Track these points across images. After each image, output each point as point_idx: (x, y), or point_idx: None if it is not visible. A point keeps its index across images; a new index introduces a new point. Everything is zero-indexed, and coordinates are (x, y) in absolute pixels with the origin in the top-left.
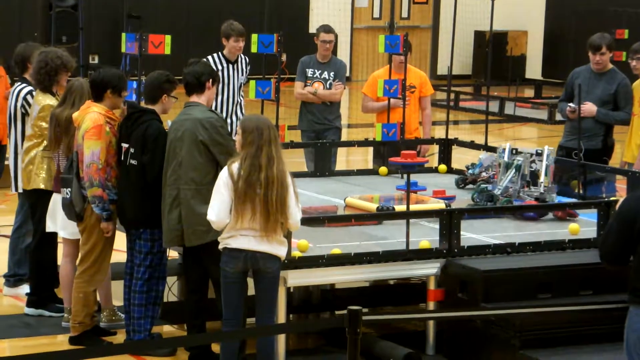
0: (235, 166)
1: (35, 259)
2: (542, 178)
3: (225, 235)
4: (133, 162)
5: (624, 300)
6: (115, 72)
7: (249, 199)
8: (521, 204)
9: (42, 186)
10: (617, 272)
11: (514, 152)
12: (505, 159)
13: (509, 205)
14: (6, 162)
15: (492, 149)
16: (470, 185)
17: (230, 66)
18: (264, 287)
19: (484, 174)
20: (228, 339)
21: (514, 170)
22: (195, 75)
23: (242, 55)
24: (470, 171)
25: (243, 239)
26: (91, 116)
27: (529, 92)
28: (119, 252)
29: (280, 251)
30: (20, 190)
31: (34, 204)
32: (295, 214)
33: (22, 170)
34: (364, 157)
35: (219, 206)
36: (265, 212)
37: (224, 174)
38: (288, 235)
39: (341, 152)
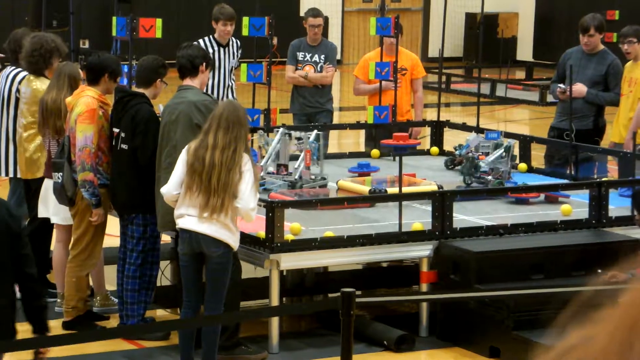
0: (194, 143)
1: (31, 243)
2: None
3: (177, 214)
4: (124, 146)
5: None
6: (113, 57)
7: (196, 174)
8: (513, 186)
9: None
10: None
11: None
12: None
13: (500, 187)
14: None
15: (484, 131)
16: (459, 167)
17: (222, 49)
18: (208, 272)
19: (469, 154)
20: (218, 323)
21: (502, 151)
22: (189, 59)
23: (233, 38)
24: (457, 152)
25: (189, 219)
26: (84, 100)
27: (520, 74)
28: (112, 237)
29: (224, 236)
30: (11, 175)
31: (37, 190)
32: (245, 201)
33: (27, 158)
34: (356, 140)
35: (171, 178)
36: (206, 192)
37: (184, 149)
38: (275, 219)
39: (333, 135)
